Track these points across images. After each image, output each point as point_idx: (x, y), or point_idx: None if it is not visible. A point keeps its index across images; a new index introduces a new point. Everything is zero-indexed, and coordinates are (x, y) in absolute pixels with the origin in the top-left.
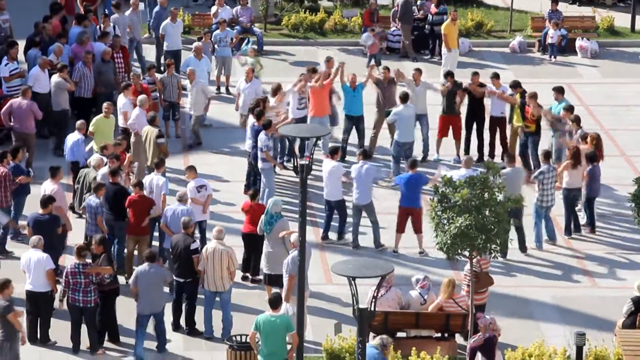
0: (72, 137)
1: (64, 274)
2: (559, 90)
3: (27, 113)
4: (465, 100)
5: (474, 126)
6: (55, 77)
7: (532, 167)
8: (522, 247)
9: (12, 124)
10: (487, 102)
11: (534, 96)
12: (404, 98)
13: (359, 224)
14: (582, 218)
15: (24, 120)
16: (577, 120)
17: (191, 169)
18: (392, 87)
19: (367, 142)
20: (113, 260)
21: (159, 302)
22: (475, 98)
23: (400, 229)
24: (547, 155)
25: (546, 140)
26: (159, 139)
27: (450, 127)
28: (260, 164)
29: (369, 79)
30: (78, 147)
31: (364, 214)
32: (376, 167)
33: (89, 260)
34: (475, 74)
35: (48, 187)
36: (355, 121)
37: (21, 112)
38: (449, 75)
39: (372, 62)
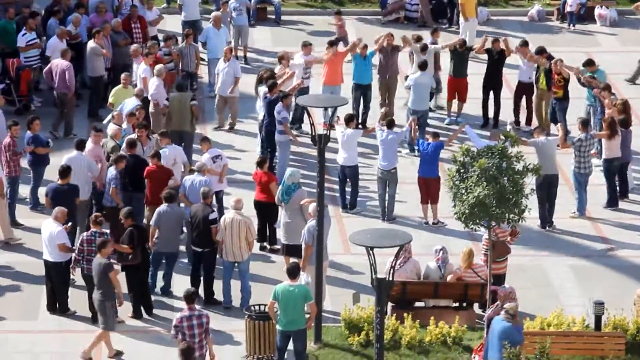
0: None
1: (79, 241)
2: (591, 63)
3: (65, 74)
4: (481, 67)
5: (491, 92)
6: (91, 43)
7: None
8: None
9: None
10: (506, 70)
11: (560, 60)
12: (422, 66)
13: (385, 195)
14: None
15: (63, 81)
16: (607, 88)
17: (205, 140)
18: (395, 54)
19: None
20: (134, 238)
21: (176, 242)
22: (494, 63)
23: (425, 199)
24: (585, 122)
25: (573, 108)
26: (192, 102)
27: (458, 90)
28: (277, 137)
29: (380, 46)
30: None
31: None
32: (399, 133)
33: (106, 230)
34: (525, 43)
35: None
36: (364, 89)
37: (61, 73)
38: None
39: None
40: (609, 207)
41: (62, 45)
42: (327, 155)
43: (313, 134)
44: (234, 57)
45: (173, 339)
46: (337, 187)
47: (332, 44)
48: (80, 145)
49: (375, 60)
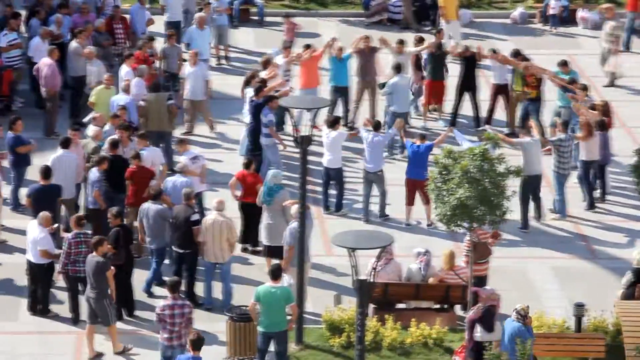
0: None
1: (66, 244)
2: (565, 64)
3: (53, 73)
4: (456, 69)
5: (467, 95)
6: (73, 43)
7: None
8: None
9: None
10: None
11: (529, 63)
12: (398, 68)
13: (370, 195)
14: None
15: (50, 79)
16: (584, 89)
17: (182, 141)
18: (373, 56)
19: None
20: (120, 238)
21: (163, 239)
22: (468, 66)
23: (410, 201)
24: (566, 124)
25: (548, 108)
26: (169, 101)
27: (435, 93)
28: (263, 140)
29: (356, 48)
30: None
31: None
32: (386, 135)
33: (89, 231)
34: (494, 52)
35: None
36: (341, 92)
37: (48, 72)
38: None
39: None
40: (589, 209)
41: (44, 45)
42: (311, 157)
43: (295, 135)
44: (201, 60)
45: (157, 324)
46: (319, 189)
47: (308, 46)
48: (66, 144)
49: (355, 62)
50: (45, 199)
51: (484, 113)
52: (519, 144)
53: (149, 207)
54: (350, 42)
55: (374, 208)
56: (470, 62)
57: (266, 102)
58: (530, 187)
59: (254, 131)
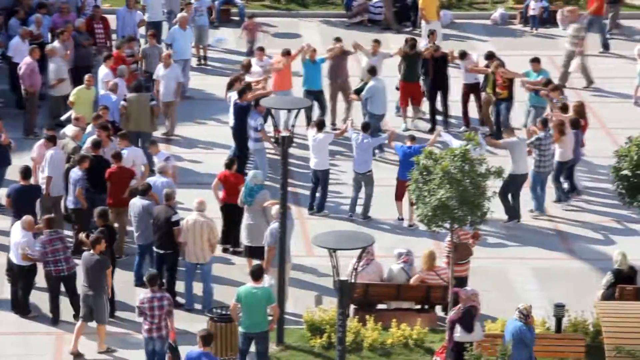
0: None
1: (40, 245)
2: (536, 61)
3: (33, 72)
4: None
5: (438, 96)
6: (55, 43)
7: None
8: (515, 216)
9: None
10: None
11: (502, 64)
12: (373, 71)
13: (357, 197)
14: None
15: (29, 79)
16: (557, 89)
17: (153, 143)
18: (344, 58)
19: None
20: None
21: (150, 233)
22: (439, 67)
23: (400, 197)
24: (545, 122)
25: (520, 109)
26: (151, 102)
27: (411, 94)
28: (252, 145)
29: (333, 55)
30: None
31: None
32: (377, 139)
33: (59, 229)
34: (464, 54)
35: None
36: (315, 95)
37: (27, 71)
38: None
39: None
40: (558, 202)
41: (24, 45)
42: (293, 160)
43: (276, 136)
44: (175, 62)
45: (139, 317)
46: (300, 190)
47: (286, 53)
48: (53, 140)
49: (326, 65)
50: (25, 199)
51: (454, 112)
52: (506, 144)
53: (135, 202)
54: (327, 49)
55: (359, 209)
56: (440, 62)
57: (254, 106)
58: (514, 186)
59: (239, 133)
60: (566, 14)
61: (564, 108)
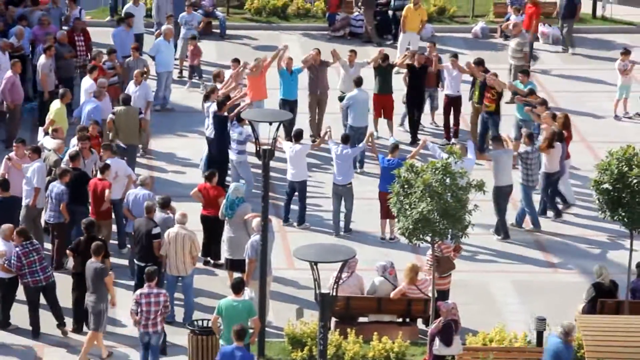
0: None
1: (15, 258)
2: (525, 73)
3: (14, 85)
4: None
5: (415, 109)
6: (42, 59)
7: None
8: (503, 231)
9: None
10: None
11: (495, 74)
12: (359, 82)
13: (339, 211)
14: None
15: (9, 94)
16: (544, 103)
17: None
18: (323, 69)
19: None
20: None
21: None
22: (416, 78)
23: (384, 214)
24: (531, 136)
25: (504, 122)
26: (140, 115)
27: (383, 107)
28: (235, 157)
29: (308, 64)
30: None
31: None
32: (356, 149)
33: (34, 240)
34: (455, 56)
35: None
36: (290, 105)
37: (8, 85)
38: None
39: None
40: (557, 217)
41: (4, 57)
42: (275, 172)
43: (258, 148)
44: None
45: (132, 315)
46: (280, 203)
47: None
48: (38, 152)
49: (304, 76)
50: (5, 211)
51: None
52: (494, 155)
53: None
54: (302, 58)
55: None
56: (418, 73)
57: (237, 120)
58: (502, 199)
59: (218, 144)
60: (510, 27)
61: (554, 117)
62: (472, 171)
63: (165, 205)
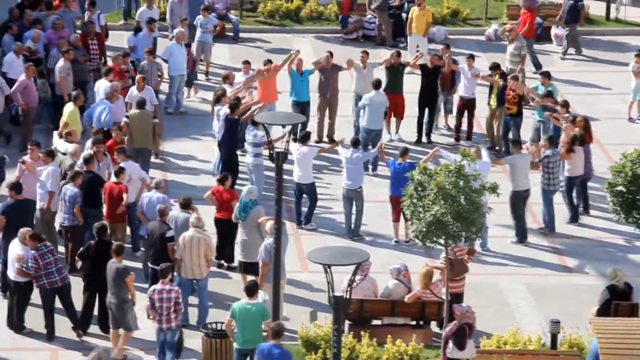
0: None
1: (32, 261)
2: (546, 75)
3: (27, 88)
4: (416, 80)
5: (426, 109)
6: (60, 62)
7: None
8: (523, 237)
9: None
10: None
11: (516, 77)
12: (377, 84)
13: (351, 213)
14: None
15: (23, 96)
16: (565, 105)
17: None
18: (335, 73)
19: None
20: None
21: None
22: (429, 79)
23: (396, 217)
24: (552, 139)
25: (524, 125)
26: (154, 120)
27: (394, 106)
28: (251, 160)
29: (319, 66)
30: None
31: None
32: (367, 153)
33: (48, 242)
34: (471, 57)
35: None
36: (302, 107)
37: (20, 88)
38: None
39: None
40: (572, 222)
41: (18, 61)
42: (288, 175)
43: (271, 151)
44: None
45: (146, 310)
46: (294, 206)
47: (269, 61)
48: (52, 155)
49: (314, 78)
50: (19, 214)
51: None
52: (510, 160)
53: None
54: (313, 61)
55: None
56: (433, 73)
57: (251, 123)
58: (520, 203)
59: (228, 147)
60: (507, 32)
61: (572, 122)
62: (488, 174)
63: (186, 205)
